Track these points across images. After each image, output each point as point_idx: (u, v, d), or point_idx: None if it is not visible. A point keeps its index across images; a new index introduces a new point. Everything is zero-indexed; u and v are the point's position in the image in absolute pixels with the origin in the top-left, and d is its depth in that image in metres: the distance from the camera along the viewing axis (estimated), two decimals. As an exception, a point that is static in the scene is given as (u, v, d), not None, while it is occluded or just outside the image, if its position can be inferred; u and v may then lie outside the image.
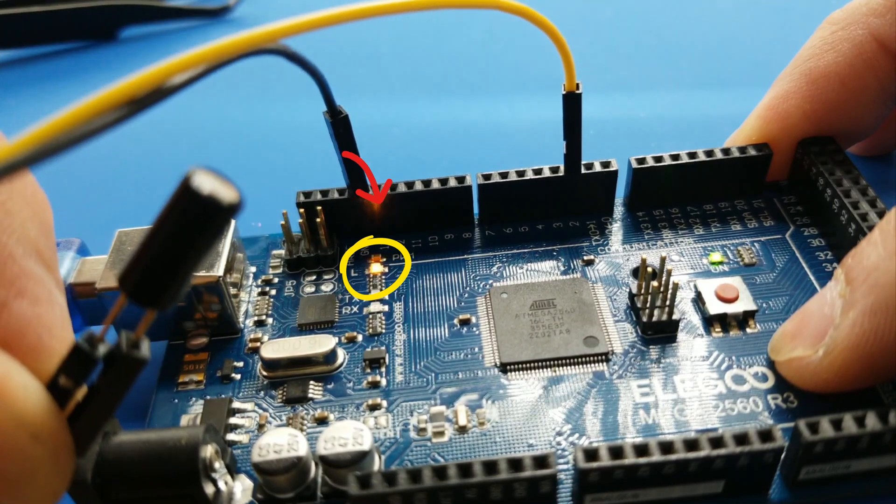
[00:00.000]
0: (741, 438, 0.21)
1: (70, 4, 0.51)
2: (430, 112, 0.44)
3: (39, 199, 0.20)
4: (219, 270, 0.27)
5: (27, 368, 0.18)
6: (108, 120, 0.15)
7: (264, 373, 0.27)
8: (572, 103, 0.28)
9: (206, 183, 0.15)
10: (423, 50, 0.51)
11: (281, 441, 0.23)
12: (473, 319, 0.29)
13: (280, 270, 0.31)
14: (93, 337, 0.18)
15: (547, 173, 0.31)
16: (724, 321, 0.28)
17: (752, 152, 0.31)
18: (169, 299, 0.16)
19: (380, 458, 0.24)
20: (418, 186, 0.31)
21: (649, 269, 0.28)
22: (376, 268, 0.31)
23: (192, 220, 0.15)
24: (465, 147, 0.41)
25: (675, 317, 0.27)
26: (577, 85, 0.28)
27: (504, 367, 0.27)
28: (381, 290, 0.30)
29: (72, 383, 0.18)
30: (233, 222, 0.29)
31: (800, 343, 0.24)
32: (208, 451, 0.22)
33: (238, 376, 0.27)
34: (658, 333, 0.27)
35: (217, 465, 0.22)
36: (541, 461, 0.21)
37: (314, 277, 0.31)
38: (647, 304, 0.27)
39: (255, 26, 0.18)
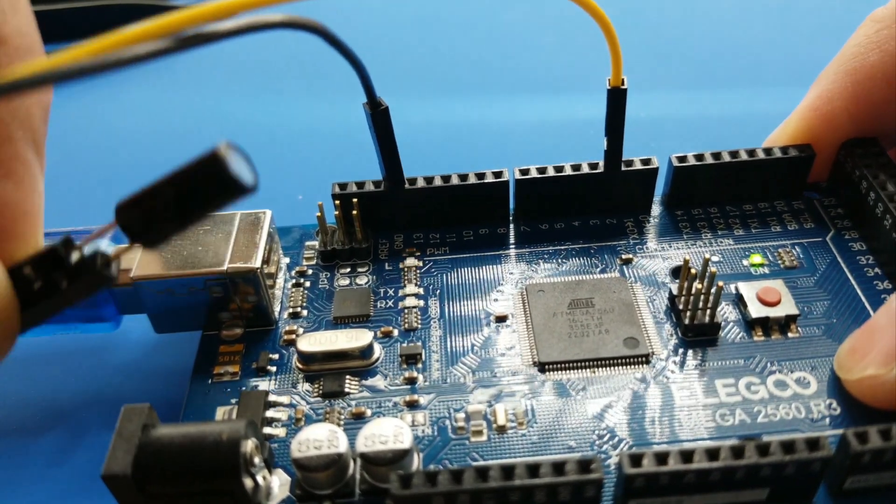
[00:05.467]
0: (788, 446, 0.21)
1: (70, 4, 0.51)
2: (469, 109, 0.44)
3: None
4: (256, 262, 0.27)
5: None
6: (151, 49, 0.16)
7: (300, 366, 0.27)
8: (617, 98, 0.28)
9: (230, 157, 0.16)
10: (469, 48, 0.51)
11: (321, 437, 0.23)
12: (510, 317, 0.28)
13: (314, 262, 0.31)
14: (70, 242, 0.19)
15: (586, 169, 0.31)
16: (765, 325, 0.27)
17: (795, 153, 0.31)
18: (153, 241, 0.18)
19: (419, 456, 0.24)
20: (454, 180, 0.31)
21: (692, 271, 0.27)
22: (411, 261, 0.31)
23: (205, 185, 0.17)
24: (504, 143, 0.41)
25: (716, 319, 0.27)
26: (623, 80, 0.28)
27: (542, 367, 0.26)
28: (415, 283, 0.30)
29: (34, 276, 0.19)
30: (268, 213, 0.29)
31: (871, 361, 0.23)
32: (249, 445, 0.22)
33: (273, 368, 0.27)
34: (699, 336, 0.27)
35: (256, 459, 0.22)
36: (585, 465, 0.20)
37: (348, 270, 0.31)
38: (689, 306, 0.27)
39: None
